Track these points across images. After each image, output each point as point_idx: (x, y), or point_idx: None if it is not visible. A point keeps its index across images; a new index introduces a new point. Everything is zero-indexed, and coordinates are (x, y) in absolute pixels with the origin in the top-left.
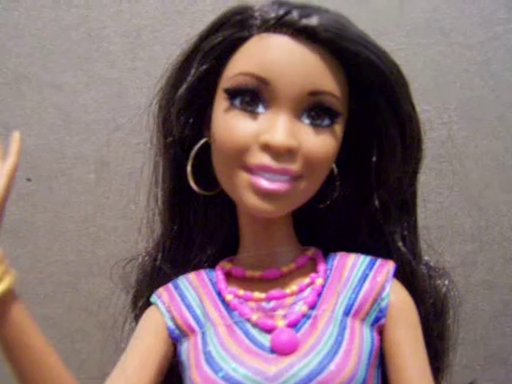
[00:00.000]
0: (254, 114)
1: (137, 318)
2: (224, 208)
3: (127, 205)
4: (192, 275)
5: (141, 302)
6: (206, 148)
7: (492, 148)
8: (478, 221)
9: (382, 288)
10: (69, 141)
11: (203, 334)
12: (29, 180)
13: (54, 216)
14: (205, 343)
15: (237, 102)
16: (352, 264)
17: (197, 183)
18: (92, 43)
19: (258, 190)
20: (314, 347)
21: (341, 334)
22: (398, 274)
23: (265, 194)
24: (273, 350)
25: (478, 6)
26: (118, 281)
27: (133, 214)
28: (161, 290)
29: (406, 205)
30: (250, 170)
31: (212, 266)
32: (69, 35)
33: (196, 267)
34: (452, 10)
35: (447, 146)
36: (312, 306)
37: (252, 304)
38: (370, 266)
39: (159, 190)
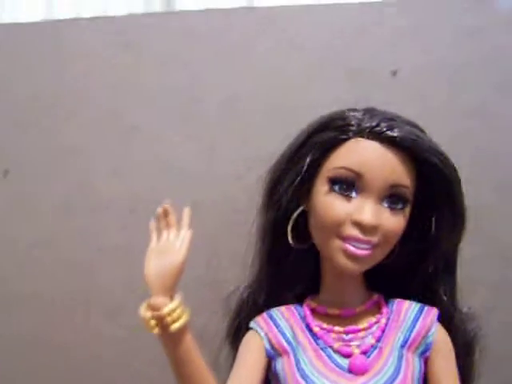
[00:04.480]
0: (348, 198)
1: (233, 340)
2: (310, 257)
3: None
4: (283, 308)
5: (237, 328)
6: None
7: None
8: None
9: (429, 328)
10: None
11: (295, 355)
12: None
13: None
14: (297, 362)
15: (336, 187)
16: (406, 309)
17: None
18: (192, 105)
19: (348, 253)
20: (381, 370)
21: (399, 361)
22: (440, 318)
23: (353, 257)
24: (350, 371)
25: None
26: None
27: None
28: (258, 318)
29: (449, 265)
30: (343, 238)
31: (298, 301)
32: (175, 97)
33: (285, 302)
34: None
35: (480, 212)
36: (378, 339)
37: (333, 335)
38: (420, 311)
39: (260, 240)
